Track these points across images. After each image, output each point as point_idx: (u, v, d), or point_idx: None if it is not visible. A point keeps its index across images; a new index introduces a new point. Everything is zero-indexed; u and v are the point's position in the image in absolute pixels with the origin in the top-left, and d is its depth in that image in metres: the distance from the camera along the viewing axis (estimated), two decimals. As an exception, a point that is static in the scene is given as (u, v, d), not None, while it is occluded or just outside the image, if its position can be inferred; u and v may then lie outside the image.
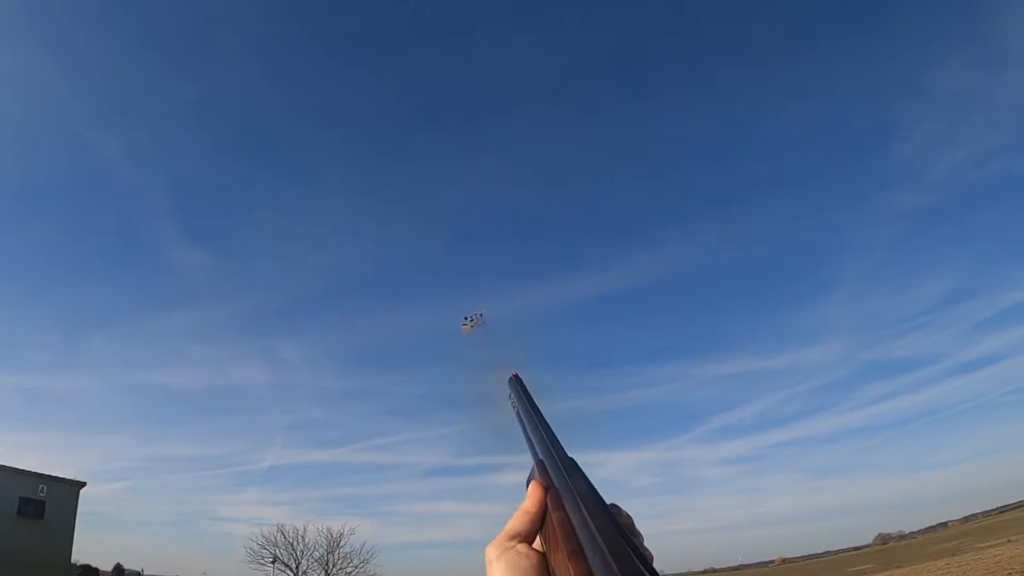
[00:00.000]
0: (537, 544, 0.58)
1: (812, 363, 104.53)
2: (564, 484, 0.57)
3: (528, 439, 0.69)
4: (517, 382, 0.79)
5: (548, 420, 0.68)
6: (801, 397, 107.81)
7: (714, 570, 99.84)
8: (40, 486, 30.53)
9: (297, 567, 36.32)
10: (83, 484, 33.68)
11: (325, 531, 37.56)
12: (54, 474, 31.94)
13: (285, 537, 36.54)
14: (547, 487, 0.59)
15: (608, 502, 0.56)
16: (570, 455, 0.62)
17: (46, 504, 30.25)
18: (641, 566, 0.45)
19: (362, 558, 37.25)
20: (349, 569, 36.95)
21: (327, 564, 36.86)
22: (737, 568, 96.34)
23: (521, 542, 0.57)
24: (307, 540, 36.90)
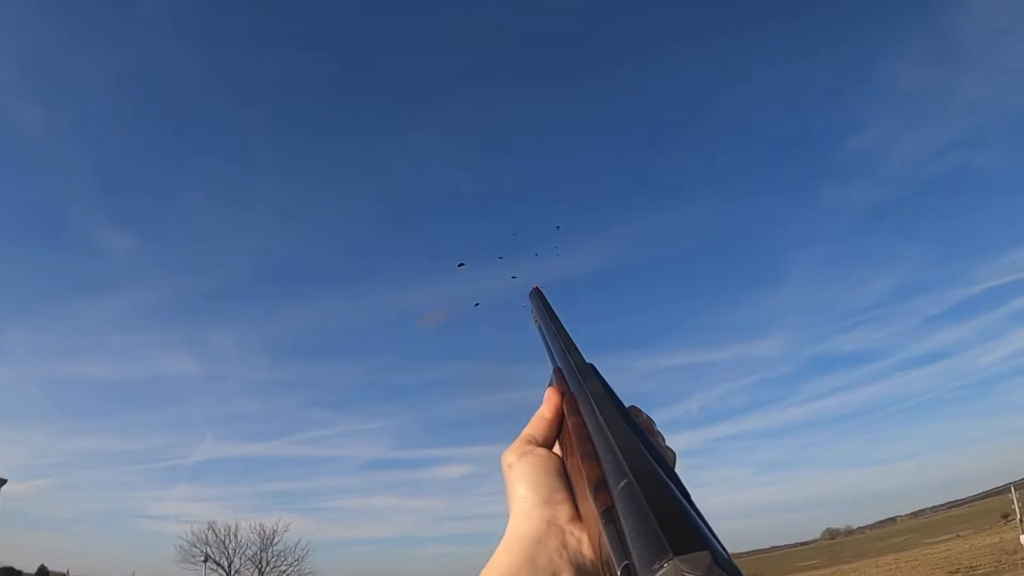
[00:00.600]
0: (556, 452, 0.57)
1: (759, 356, 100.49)
2: (579, 388, 0.56)
3: (548, 349, 0.69)
4: (538, 295, 0.77)
5: (567, 330, 0.68)
6: (747, 390, 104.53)
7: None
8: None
9: (229, 566, 35.81)
10: (3, 482, 32.88)
11: (258, 528, 37.04)
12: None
13: (217, 535, 35.94)
14: (563, 393, 0.59)
15: (628, 405, 0.54)
16: (588, 361, 0.60)
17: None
18: (652, 461, 0.42)
19: (296, 556, 36.89)
20: (283, 567, 36.61)
21: (260, 562, 36.42)
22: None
23: (539, 446, 0.57)
24: (239, 538, 36.40)
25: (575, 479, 0.50)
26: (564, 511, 0.51)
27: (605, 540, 0.41)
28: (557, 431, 0.58)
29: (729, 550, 0.37)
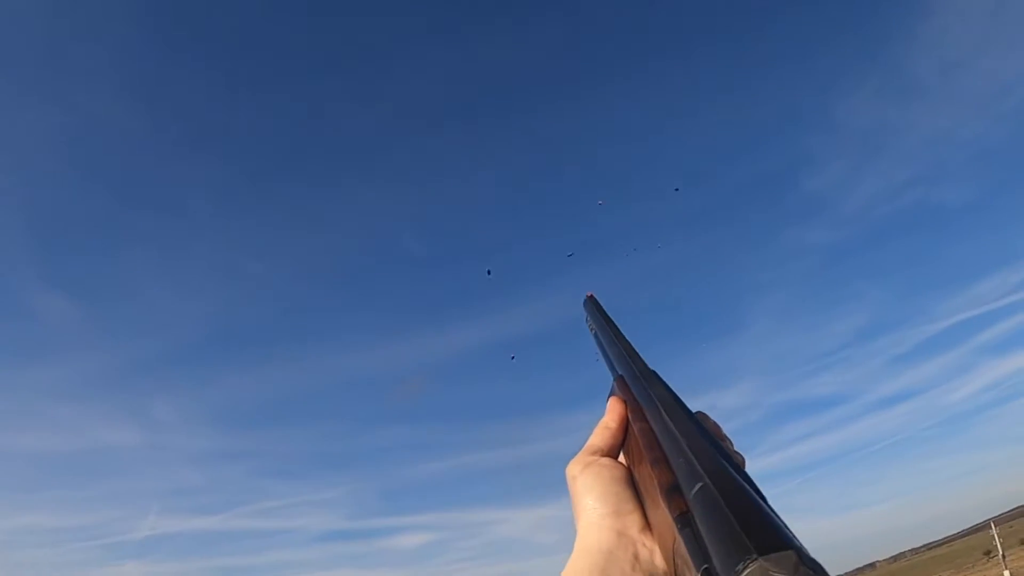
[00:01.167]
0: (620, 461, 0.56)
1: (725, 407, 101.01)
2: (644, 394, 0.55)
3: (606, 357, 0.68)
4: (592, 302, 0.76)
5: (626, 336, 0.66)
6: None
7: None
8: None
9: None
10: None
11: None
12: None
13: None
14: (627, 401, 0.58)
15: (694, 410, 0.52)
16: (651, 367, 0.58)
17: None
18: (726, 462, 0.41)
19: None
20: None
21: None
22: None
23: (604, 456, 0.56)
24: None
25: (644, 488, 0.50)
26: (634, 521, 0.50)
27: (681, 547, 0.40)
28: (622, 440, 0.57)
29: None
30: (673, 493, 0.43)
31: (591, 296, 0.78)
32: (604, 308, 0.75)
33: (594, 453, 0.56)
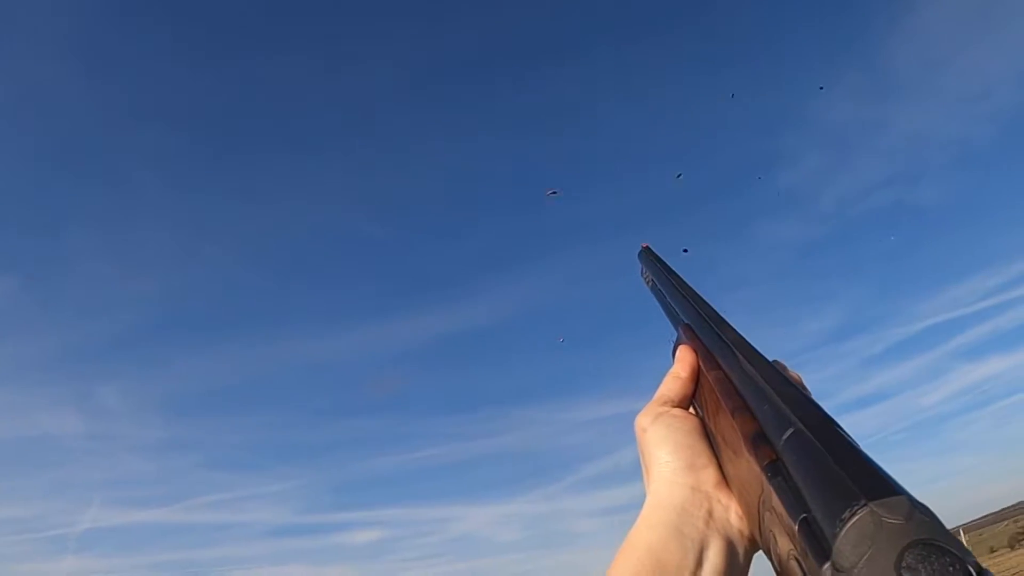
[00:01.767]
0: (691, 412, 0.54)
1: None
2: (716, 340, 0.52)
3: (668, 307, 0.65)
4: (648, 253, 0.73)
5: (688, 282, 0.63)
6: None
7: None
8: None
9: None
10: None
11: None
12: None
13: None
14: (696, 349, 0.55)
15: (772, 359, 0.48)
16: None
17: None
18: (819, 407, 0.38)
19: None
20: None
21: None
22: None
23: (675, 407, 0.53)
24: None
25: (721, 439, 0.47)
26: (709, 476, 0.47)
27: (771, 497, 0.37)
28: (693, 390, 0.54)
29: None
30: (759, 441, 0.40)
31: (646, 247, 0.75)
32: (661, 257, 0.71)
33: (664, 404, 0.53)
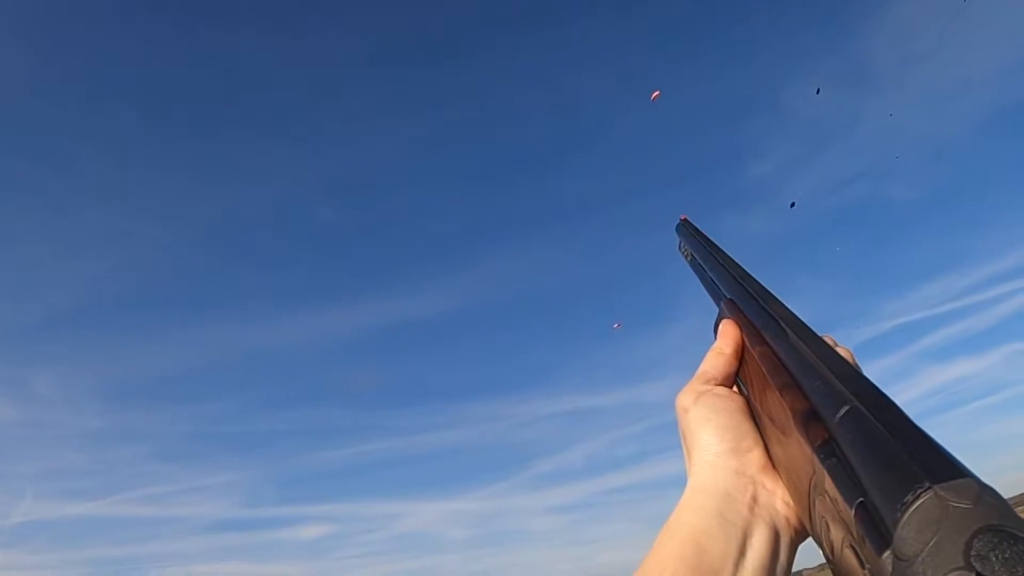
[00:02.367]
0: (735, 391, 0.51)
1: (649, 401, 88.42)
2: (762, 315, 0.49)
3: (709, 281, 0.62)
4: (686, 225, 0.69)
5: (730, 255, 0.60)
6: (636, 439, 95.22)
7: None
8: None
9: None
10: None
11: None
12: None
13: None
14: (741, 325, 0.52)
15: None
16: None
17: None
18: (872, 382, 0.36)
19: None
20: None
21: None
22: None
23: (718, 385, 0.51)
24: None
25: (768, 419, 0.44)
26: (754, 459, 0.45)
27: (824, 480, 0.34)
28: (737, 368, 0.52)
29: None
30: (810, 420, 0.38)
31: (685, 219, 0.71)
32: (700, 229, 0.68)
33: (707, 382, 0.51)
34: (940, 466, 0.29)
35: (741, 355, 0.52)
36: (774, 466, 0.45)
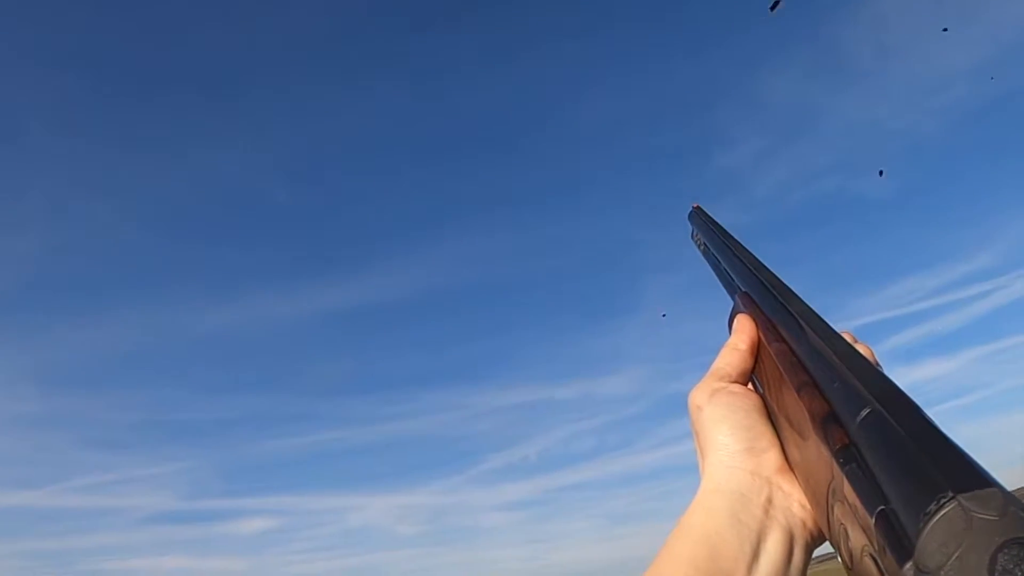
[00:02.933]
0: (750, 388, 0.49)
1: (607, 394, 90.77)
2: (779, 309, 0.47)
3: (724, 273, 0.58)
4: (699, 214, 0.66)
5: (746, 247, 0.57)
6: (594, 433, 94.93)
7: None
8: None
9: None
10: None
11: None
12: None
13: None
14: (757, 319, 0.50)
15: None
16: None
17: None
18: (897, 386, 0.34)
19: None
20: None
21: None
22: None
23: (733, 383, 0.48)
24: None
25: (785, 419, 0.43)
26: (770, 460, 0.44)
27: (843, 486, 0.33)
28: (753, 364, 0.50)
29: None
30: (829, 423, 0.36)
31: (698, 207, 0.68)
32: (714, 218, 0.65)
33: (722, 379, 0.49)
34: (964, 475, 0.28)
35: (757, 351, 0.50)
36: (791, 468, 0.43)
